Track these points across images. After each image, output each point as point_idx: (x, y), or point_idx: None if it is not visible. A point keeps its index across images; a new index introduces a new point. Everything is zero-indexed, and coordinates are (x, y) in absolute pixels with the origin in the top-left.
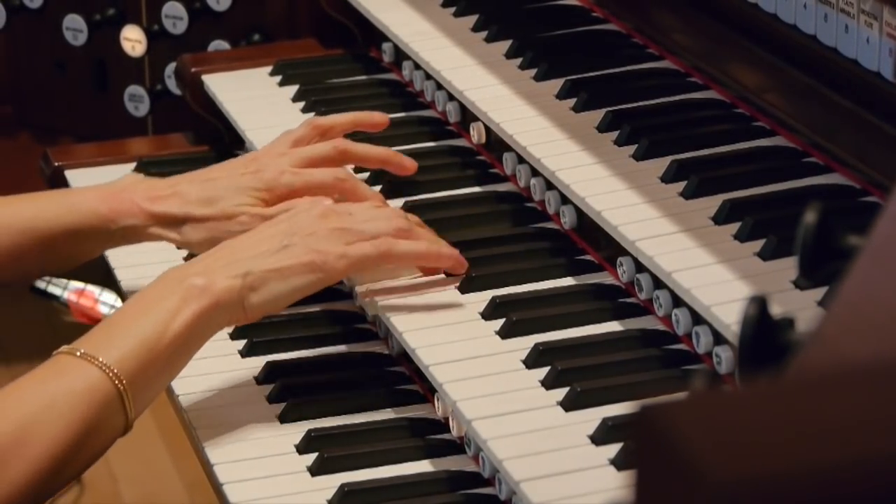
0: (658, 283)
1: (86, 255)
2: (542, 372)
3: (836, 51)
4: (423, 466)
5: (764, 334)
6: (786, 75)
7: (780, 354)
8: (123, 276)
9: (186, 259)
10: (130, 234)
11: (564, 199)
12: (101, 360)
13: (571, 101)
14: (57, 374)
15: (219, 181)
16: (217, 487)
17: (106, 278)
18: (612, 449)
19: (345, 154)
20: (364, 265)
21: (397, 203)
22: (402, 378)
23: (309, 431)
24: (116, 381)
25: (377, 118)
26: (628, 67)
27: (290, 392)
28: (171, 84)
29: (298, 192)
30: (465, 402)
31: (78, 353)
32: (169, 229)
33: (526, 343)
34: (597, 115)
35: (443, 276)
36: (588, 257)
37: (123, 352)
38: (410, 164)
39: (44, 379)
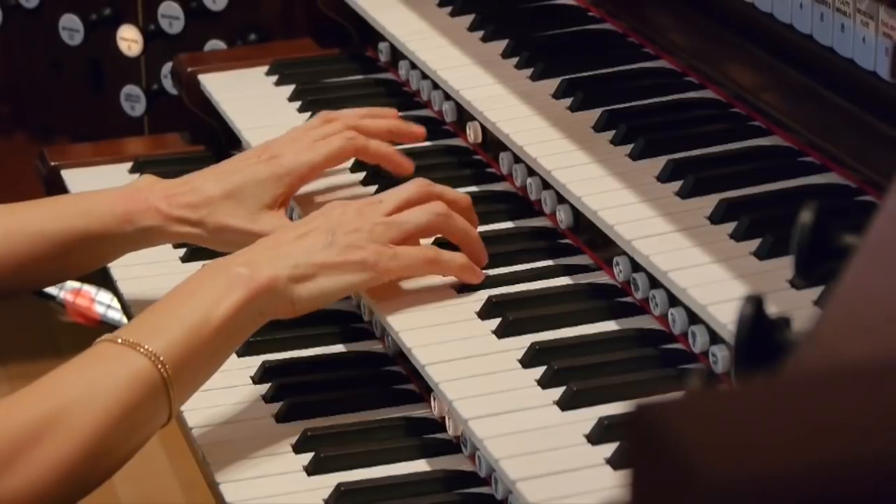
0: (654, 283)
1: (102, 259)
2: (539, 371)
3: (833, 50)
4: (420, 466)
5: (760, 334)
6: (782, 75)
7: (775, 354)
8: (119, 276)
9: (183, 259)
10: (149, 236)
11: (560, 199)
12: (146, 346)
13: (567, 101)
14: (99, 360)
15: (236, 174)
16: (213, 487)
17: (102, 278)
18: (609, 448)
19: (352, 129)
20: (411, 270)
21: None
22: (398, 377)
23: (305, 431)
24: (161, 369)
25: (416, 130)
26: (624, 67)
27: (286, 392)
28: (168, 84)
29: (316, 167)
30: (462, 401)
31: (119, 340)
32: (189, 229)
33: (522, 342)
34: (593, 115)
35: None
36: (584, 257)
37: (167, 339)
38: (408, 164)
39: (85, 365)
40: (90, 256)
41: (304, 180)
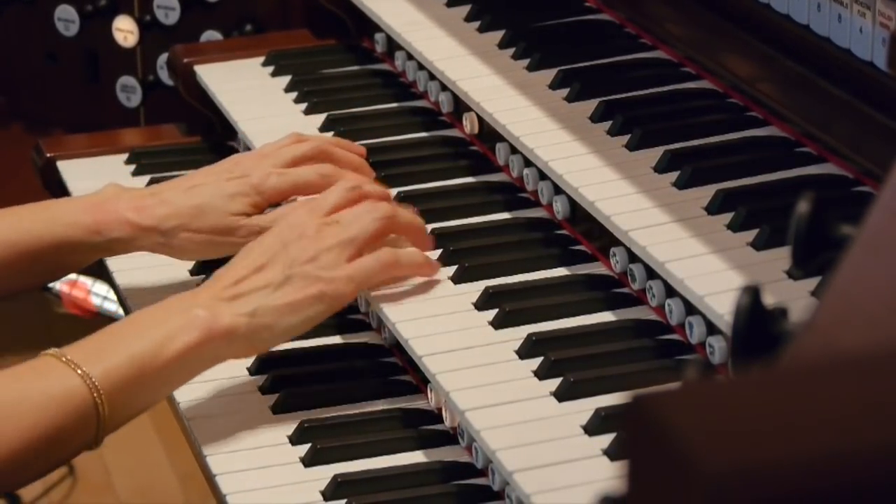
0: (651, 274)
1: (72, 266)
2: (536, 362)
3: (830, 40)
4: (417, 457)
5: (757, 324)
6: (779, 65)
7: (773, 344)
8: (116, 267)
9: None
10: (116, 246)
11: (557, 189)
12: (84, 369)
13: (564, 91)
14: (37, 374)
15: (204, 188)
16: (210, 479)
17: (99, 269)
18: (606, 439)
19: (324, 153)
20: (371, 281)
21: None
22: (395, 369)
23: (302, 422)
24: (95, 394)
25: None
26: (621, 57)
27: (283, 383)
28: (164, 75)
29: (286, 193)
30: (458, 392)
31: (63, 359)
32: (157, 239)
33: (519, 333)
34: (590, 106)
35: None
36: (581, 247)
37: (110, 366)
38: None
39: (22, 376)
40: (57, 265)
41: (270, 202)
